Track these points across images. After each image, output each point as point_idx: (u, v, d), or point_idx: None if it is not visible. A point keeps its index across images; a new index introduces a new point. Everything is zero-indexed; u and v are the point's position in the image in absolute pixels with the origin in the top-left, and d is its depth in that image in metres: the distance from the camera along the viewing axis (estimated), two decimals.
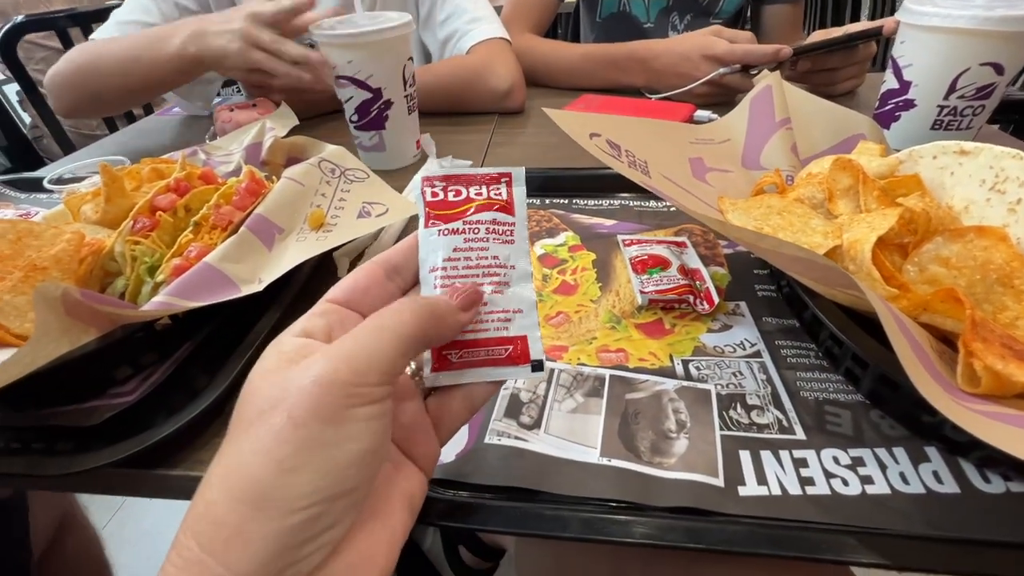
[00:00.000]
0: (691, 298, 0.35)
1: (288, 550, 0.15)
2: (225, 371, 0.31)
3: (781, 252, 0.26)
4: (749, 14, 0.96)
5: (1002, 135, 0.61)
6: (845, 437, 0.27)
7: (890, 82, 0.51)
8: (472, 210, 0.22)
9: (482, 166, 0.59)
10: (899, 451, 0.26)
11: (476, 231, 0.22)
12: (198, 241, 0.35)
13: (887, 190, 0.32)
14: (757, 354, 0.32)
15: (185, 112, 0.84)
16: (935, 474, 0.25)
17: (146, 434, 0.27)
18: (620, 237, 0.42)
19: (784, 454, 0.26)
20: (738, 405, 0.29)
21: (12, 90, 1.53)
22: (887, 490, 0.24)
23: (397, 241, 0.45)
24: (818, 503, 0.24)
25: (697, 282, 0.37)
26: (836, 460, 0.26)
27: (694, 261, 0.39)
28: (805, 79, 0.69)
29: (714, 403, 0.29)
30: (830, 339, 0.30)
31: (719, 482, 0.25)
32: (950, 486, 0.24)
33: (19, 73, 1.00)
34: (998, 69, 0.45)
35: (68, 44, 1.03)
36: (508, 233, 0.22)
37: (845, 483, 0.25)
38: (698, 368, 0.31)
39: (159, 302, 0.30)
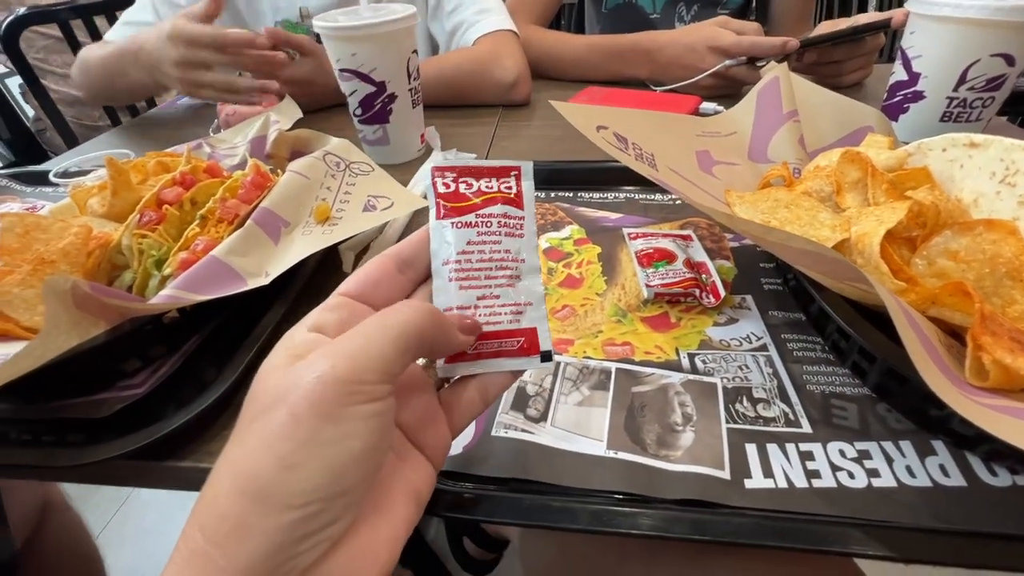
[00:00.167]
0: (697, 292, 0.35)
1: (288, 544, 0.15)
2: (233, 364, 0.31)
3: (789, 246, 0.26)
4: (756, 4, 0.95)
5: (1011, 127, 0.61)
6: (851, 430, 0.27)
7: (899, 73, 0.51)
8: (484, 203, 0.22)
9: (487, 159, 0.59)
10: (905, 444, 0.26)
11: (489, 224, 0.22)
12: (204, 235, 0.35)
13: (896, 183, 0.32)
14: (763, 347, 0.32)
15: (193, 101, 0.84)
16: (942, 467, 0.25)
17: (156, 426, 0.28)
18: (625, 230, 0.42)
19: (790, 447, 0.26)
20: (744, 398, 0.29)
21: (14, 83, 1.52)
22: (893, 483, 0.24)
23: (402, 234, 0.45)
24: (824, 496, 0.24)
25: (703, 275, 0.37)
26: (842, 453, 0.26)
27: (700, 254, 0.39)
28: (812, 71, 0.69)
29: (720, 396, 0.29)
30: (837, 332, 0.30)
31: (725, 475, 0.25)
32: (957, 479, 0.24)
33: (22, 65, 1.00)
34: (1009, 60, 0.45)
35: (70, 35, 1.02)
36: (518, 227, 0.22)
37: (851, 476, 0.25)
38: (704, 362, 0.31)
39: (167, 295, 0.30)
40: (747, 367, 0.31)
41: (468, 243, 0.22)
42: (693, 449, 0.26)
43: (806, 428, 0.27)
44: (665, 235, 0.41)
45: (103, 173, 0.49)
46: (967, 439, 0.25)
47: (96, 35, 1.07)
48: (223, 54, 0.60)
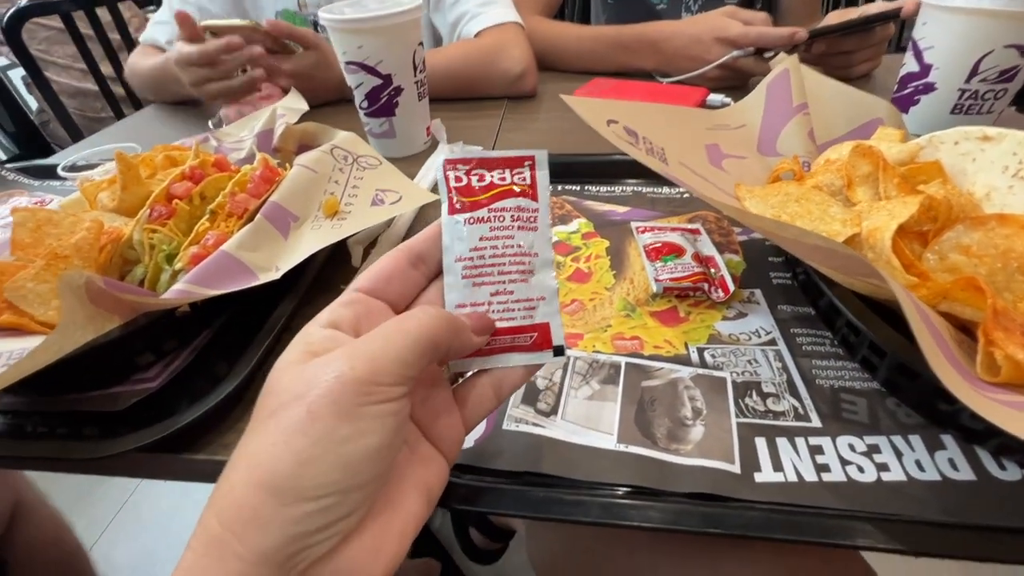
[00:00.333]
0: (706, 286, 0.35)
1: (302, 536, 0.15)
2: (245, 359, 0.31)
3: (801, 241, 0.26)
4: None
5: (1021, 118, 0.60)
6: (861, 425, 0.27)
7: (910, 65, 0.50)
8: (496, 197, 0.22)
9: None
10: (915, 439, 0.26)
11: (501, 219, 0.22)
12: (215, 229, 0.35)
13: (907, 177, 0.32)
14: (772, 342, 0.32)
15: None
16: (951, 461, 0.25)
17: (171, 420, 0.28)
18: (634, 224, 0.42)
19: (800, 441, 0.26)
20: (754, 393, 0.29)
21: (17, 76, 1.52)
22: (903, 477, 0.24)
23: (410, 226, 0.46)
24: (834, 489, 0.24)
25: (711, 269, 0.37)
26: (852, 447, 0.26)
27: (708, 248, 0.39)
28: (820, 62, 0.68)
29: (730, 391, 0.29)
30: (847, 327, 0.30)
31: (735, 468, 0.25)
32: (966, 473, 0.24)
33: (25, 57, 1.00)
34: (1023, 51, 0.44)
35: (72, 27, 1.02)
36: (532, 220, 0.22)
37: (861, 470, 0.25)
38: (713, 356, 0.31)
39: (179, 290, 0.31)
40: (756, 361, 0.31)
41: (481, 239, 0.22)
42: (703, 443, 0.27)
43: (815, 422, 0.27)
44: (673, 229, 0.41)
45: (111, 167, 0.49)
46: (976, 433, 0.25)
47: (98, 26, 1.07)
48: (215, 66, 0.63)
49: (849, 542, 0.22)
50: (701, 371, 0.30)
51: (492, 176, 0.22)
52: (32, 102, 1.48)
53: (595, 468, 0.26)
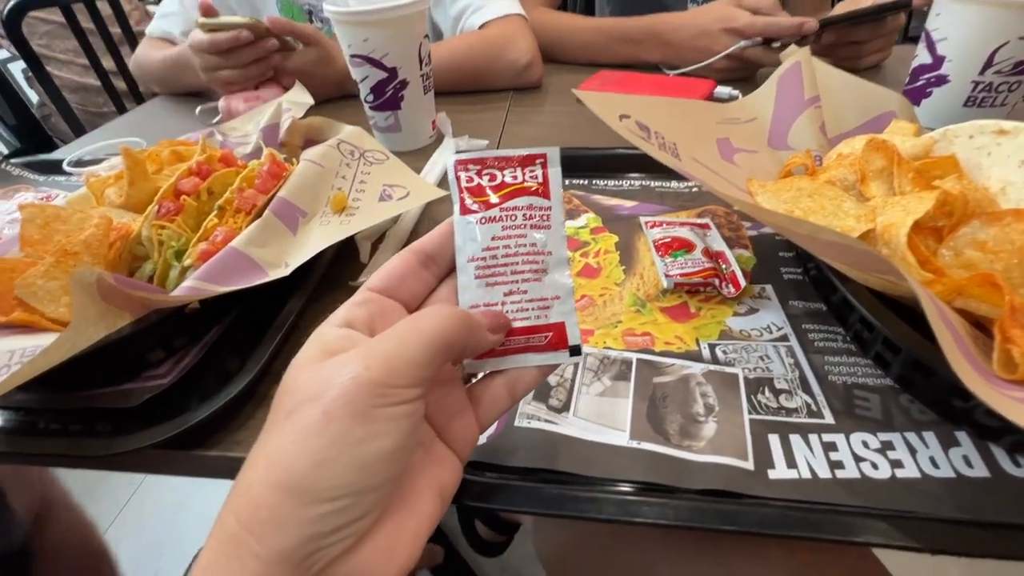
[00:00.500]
0: (716, 281, 0.35)
1: (318, 536, 0.16)
2: (256, 356, 0.31)
3: (816, 237, 0.25)
4: None
5: None
6: (874, 421, 0.27)
7: (922, 57, 0.50)
8: (508, 196, 0.22)
9: (499, 145, 0.59)
10: (929, 435, 0.26)
11: (513, 218, 0.21)
12: (223, 225, 0.35)
13: (922, 172, 0.31)
14: (784, 338, 0.32)
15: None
16: (965, 458, 0.25)
17: (183, 417, 0.28)
18: (643, 219, 0.42)
19: (813, 438, 0.26)
20: (766, 389, 0.29)
21: (17, 69, 1.51)
22: (917, 474, 0.24)
23: (417, 223, 0.45)
24: (848, 486, 0.24)
25: (722, 265, 0.36)
26: (865, 444, 0.26)
27: (718, 243, 0.39)
28: (829, 52, 0.67)
29: (742, 387, 0.29)
30: (860, 323, 0.30)
31: (749, 465, 0.25)
32: (980, 470, 0.24)
33: (25, 51, 0.99)
34: None
35: (72, 20, 1.01)
36: (544, 218, 0.22)
37: (875, 467, 0.25)
38: (725, 352, 0.31)
39: (189, 287, 0.31)
40: (768, 357, 0.31)
41: (493, 238, 0.21)
42: (716, 440, 0.26)
43: (829, 419, 0.27)
44: (683, 223, 0.41)
45: (116, 162, 0.49)
46: (991, 430, 0.25)
47: (99, 20, 1.06)
48: (224, 57, 0.63)
49: (865, 539, 0.22)
50: (713, 367, 0.30)
51: (504, 175, 0.22)
52: (32, 96, 1.47)
53: (609, 465, 0.26)
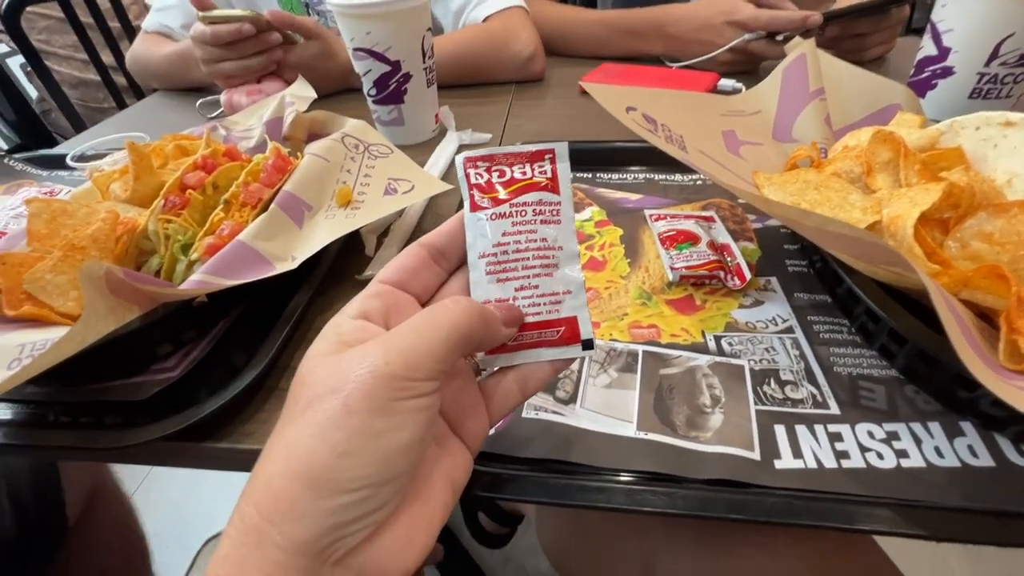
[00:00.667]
0: (722, 274, 0.35)
1: (338, 526, 0.16)
2: (264, 349, 0.31)
3: (824, 229, 0.25)
4: None
5: None
6: (879, 412, 0.27)
7: (928, 48, 0.49)
8: (517, 191, 0.22)
9: (501, 139, 0.59)
10: (934, 425, 0.26)
11: (523, 214, 0.21)
12: (229, 219, 0.35)
13: (928, 163, 0.31)
14: (789, 330, 0.32)
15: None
16: (970, 448, 0.25)
17: (193, 409, 0.28)
18: (647, 212, 0.42)
19: (819, 428, 0.27)
20: (772, 380, 0.29)
21: (16, 64, 1.50)
22: (922, 463, 0.25)
23: (422, 215, 0.45)
24: (854, 476, 0.24)
25: (727, 257, 0.37)
26: (871, 434, 0.26)
27: (723, 236, 0.39)
28: (833, 45, 0.67)
29: (748, 378, 0.29)
30: (865, 314, 0.30)
31: (755, 455, 0.25)
32: (985, 460, 0.24)
33: (24, 46, 0.99)
34: None
35: (71, 15, 1.01)
36: (555, 213, 0.22)
37: (880, 456, 0.25)
38: (731, 344, 0.31)
39: (197, 280, 0.31)
40: (774, 349, 0.31)
41: (503, 234, 0.21)
42: (723, 430, 0.27)
43: (834, 409, 0.27)
44: (688, 216, 0.41)
45: (119, 156, 0.49)
46: (996, 420, 0.25)
47: (98, 15, 1.05)
48: (226, 49, 0.63)
49: (870, 528, 0.22)
50: (719, 359, 0.31)
51: (513, 171, 0.22)
52: (32, 91, 1.47)
53: (617, 456, 0.26)
